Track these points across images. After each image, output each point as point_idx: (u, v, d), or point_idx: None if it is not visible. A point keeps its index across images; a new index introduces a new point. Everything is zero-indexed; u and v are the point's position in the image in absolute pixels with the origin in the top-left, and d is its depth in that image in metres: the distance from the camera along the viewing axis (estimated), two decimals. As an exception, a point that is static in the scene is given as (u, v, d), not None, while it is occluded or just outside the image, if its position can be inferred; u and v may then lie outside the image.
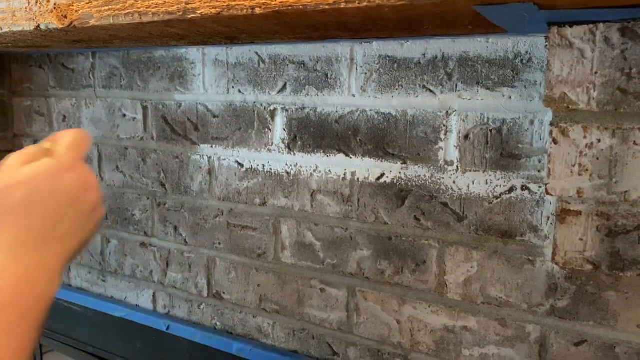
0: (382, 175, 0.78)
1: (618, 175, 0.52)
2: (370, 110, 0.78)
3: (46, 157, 0.45)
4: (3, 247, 0.41)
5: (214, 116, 0.93)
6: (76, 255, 0.46)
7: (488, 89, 0.69)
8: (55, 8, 0.64)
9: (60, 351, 1.25)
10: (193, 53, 0.93)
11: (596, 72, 0.49)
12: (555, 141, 0.53)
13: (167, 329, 1.03)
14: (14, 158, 0.45)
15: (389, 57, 0.75)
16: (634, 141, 0.50)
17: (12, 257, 0.41)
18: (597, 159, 0.52)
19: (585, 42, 0.49)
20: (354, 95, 0.78)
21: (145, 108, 1.01)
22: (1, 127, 1.21)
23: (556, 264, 0.57)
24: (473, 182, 0.72)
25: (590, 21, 0.49)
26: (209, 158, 0.94)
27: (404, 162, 0.76)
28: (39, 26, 0.67)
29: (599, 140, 0.52)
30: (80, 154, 0.47)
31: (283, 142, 0.86)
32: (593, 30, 0.49)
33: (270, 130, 0.87)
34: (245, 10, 0.50)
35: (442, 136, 0.73)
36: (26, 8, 0.67)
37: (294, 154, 0.85)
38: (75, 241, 0.46)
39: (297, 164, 0.85)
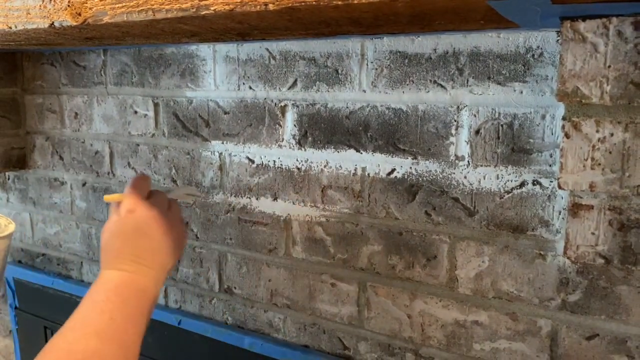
0: (393, 170, 0.78)
1: (630, 169, 0.52)
2: (381, 105, 0.78)
3: (119, 207, 0.65)
4: (107, 265, 0.62)
5: (225, 112, 0.93)
6: (165, 268, 0.64)
7: (499, 83, 0.69)
8: (69, 5, 0.65)
9: (72, 346, 1.26)
10: (204, 50, 0.94)
11: (609, 66, 0.49)
12: (567, 135, 0.53)
13: (179, 323, 1.04)
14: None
15: (399, 52, 0.75)
16: (647, 135, 0.50)
17: (114, 268, 0.61)
18: (610, 152, 0.52)
19: (599, 36, 0.49)
20: (364, 91, 0.79)
21: (156, 105, 1.02)
22: (14, 125, 1.22)
23: (568, 258, 0.57)
24: (484, 177, 0.72)
25: (603, 15, 0.49)
26: (220, 154, 0.95)
27: (415, 158, 0.76)
28: (53, 24, 0.68)
29: (612, 134, 0.52)
30: (139, 196, 0.65)
31: (294, 137, 0.86)
32: (606, 24, 0.49)
33: (280, 126, 0.88)
34: (258, 7, 0.50)
35: (453, 131, 0.73)
36: (40, 6, 0.68)
37: (305, 150, 0.86)
38: (157, 259, 0.63)
39: (307, 159, 0.86)
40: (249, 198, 0.93)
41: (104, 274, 0.61)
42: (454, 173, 0.74)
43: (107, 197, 0.68)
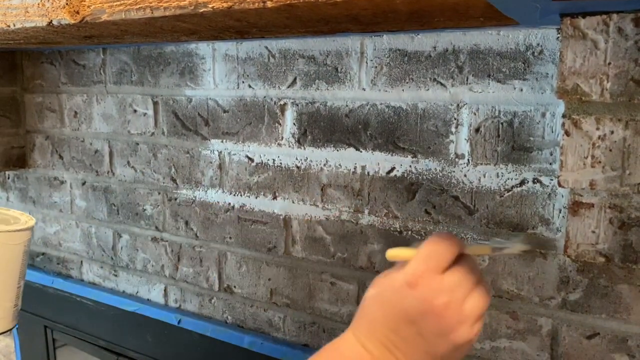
0: (393, 169, 0.78)
1: (631, 167, 0.52)
2: (381, 104, 0.78)
3: (402, 268, 0.48)
4: (358, 328, 0.49)
5: (224, 111, 0.93)
6: None
7: (499, 81, 0.69)
8: (67, 4, 0.64)
9: (73, 345, 1.26)
10: (203, 48, 0.93)
11: (609, 63, 0.49)
12: (567, 133, 0.53)
13: (179, 322, 1.04)
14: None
15: (399, 50, 0.75)
16: (648, 132, 0.50)
17: (360, 341, 0.48)
18: (610, 150, 0.52)
19: (599, 33, 0.49)
20: (364, 89, 0.78)
21: (155, 103, 1.01)
22: (14, 124, 1.22)
23: (568, 256, 0.57)
24: (484, 176, 0.72)
25: (603, 11, 0.49)
26: (220, 153, 0.95)
27: (415, 156, 0.76)
28: (51, 22, 0.67)
29: (612, 132, 0.51)
30: (433, 267, 0.46)
31: (293, 136, 0.86)
32: (606, 20, 0.48)
33: (280, 124, 0.87)
34: (257, 4, 0.50)
35: (453, 129, 0.73)
36: (39, 4, 0.68)
37: (304, 149, 0.85)
38: (418, 356, 0.46)
39: (307, 158, 0.85)
40: (249, 197, 0.93)
41: (347, 341, 0.49)
42: (454, 171, 0.74)
43: (391, 254, 0.51)
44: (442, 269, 0.46)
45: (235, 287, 0.98)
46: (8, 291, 0.71)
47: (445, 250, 0.47)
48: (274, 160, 0.89)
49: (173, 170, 1.02)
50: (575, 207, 0.55)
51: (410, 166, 0.77)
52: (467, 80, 0.71)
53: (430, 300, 0.45)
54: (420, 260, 0.47)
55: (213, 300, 1.01)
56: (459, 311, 0.45)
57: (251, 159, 0.91)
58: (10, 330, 0.72)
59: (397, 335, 0.47)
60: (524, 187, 0.69)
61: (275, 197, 0.90)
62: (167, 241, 1.06)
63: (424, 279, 0.46)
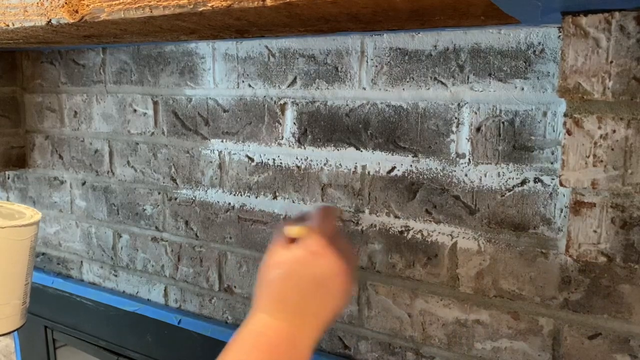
0: (393, 168, 0.78)
1: (633, 166, 0.51)
2: (381, 103, 0.77)
3: (301, 243, 0.56)
4: (266, 308, 0.53)
5: (224, 111, 0.93)
6: (325, 328, 0.55)
7: (500, 80, 0.68)
8: (66, 3, 0.64)
9: (73, 345, 1.26)
10: (203, 47, 0.93)
11: (611, 62, 0.49)
12: (569, 132, 0.53)
13: (179, 323, 1.03)
14: (278, 240, 0.58)
15: (400, 49, 0.75)
16: (650, 131, 0.50)
17: (273, 316, 0.52)
18: (612, 149, 0.52)
19: (600, 31, 0.48)
20: (364, 88, 0.78)
21: (155, 103, 1.01)
22: (13, 124, 1.22)
23: (570, 256, 0.57)
24: (485, 175, 0.71)
25: (605, 10, 0.48)
26: (220, 152, 0.95)
27: (415, 155, 0.76)
28: (50, 21, 0.67)
29: (614, 131, 0.51)
30: (329, 238, 0.56)
31: (293, 136, 0.86)
32: (608, 19, 0.48)
33: (280, 124, 0.87)
34: (256, 3, 0.50)
35: (454, 129, 0.73)
36: (37, 3, 0.68)
37: (305, 148, 0.85)
38: (324, 316, 0.54)
39: (307, 157, 0.85)
40: (249, 197, 0.92)
41: (258, 319, 0.53)
42: (455, 171, 0.73)
43: (289, 231, 0.58)
44: (332, 238, 0.56)
45: (235, 287, 0.98)
46: (16, 289, 0.70)
47: (332, 223, 0.59)
48: (274, 160, 0.89)
49: (173, 170, 1.01)
50: (577, 207, 0.55)
51: (411, 166, 0.76)
52: (468, 79, 0.70)
53: (337, 262, 0.54)
54: (319, 234, 0.56)
55: (213, 300, 1.01)
56: (353, 268, 0.56)
57: (251, 159, 0.91)
58: (20, 328, 0.71)
59: (309, 299, 0.53)
60: (525, 187, 0.69)
61: (275, 197, 0.90)
62: (167, 241, 1.05)
63: (326, 248, 0.55)
